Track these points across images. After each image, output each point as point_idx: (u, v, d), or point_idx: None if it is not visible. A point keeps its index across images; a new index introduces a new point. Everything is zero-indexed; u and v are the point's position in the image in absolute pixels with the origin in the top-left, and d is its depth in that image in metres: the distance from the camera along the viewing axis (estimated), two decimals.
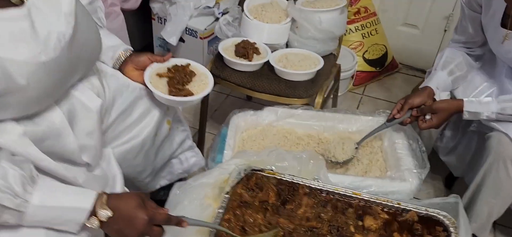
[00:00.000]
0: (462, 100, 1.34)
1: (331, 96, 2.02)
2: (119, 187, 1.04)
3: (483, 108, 1.32)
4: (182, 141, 1.37)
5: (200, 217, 0.95)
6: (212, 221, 0.96)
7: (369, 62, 2.45)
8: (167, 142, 1.32)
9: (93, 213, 0.76)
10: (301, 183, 1.09)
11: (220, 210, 0.98)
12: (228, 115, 1.50)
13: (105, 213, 0.76)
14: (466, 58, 1.51)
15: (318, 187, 1.08)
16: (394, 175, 1.29)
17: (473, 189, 1.46)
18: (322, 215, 1.00)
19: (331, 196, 1.08)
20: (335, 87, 1.94)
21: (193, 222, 0.86)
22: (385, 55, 2.50)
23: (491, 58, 1.51)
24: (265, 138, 1.48)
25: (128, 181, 1.30)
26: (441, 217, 1.05)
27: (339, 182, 1.22)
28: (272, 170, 1.11)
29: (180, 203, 0.96)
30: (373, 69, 2.47)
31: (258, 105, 1.60)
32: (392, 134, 1.44)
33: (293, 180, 1.09)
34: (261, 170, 1.10)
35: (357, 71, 2.38)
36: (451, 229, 1.02)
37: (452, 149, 1.72)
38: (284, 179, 1.09)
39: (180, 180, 1.32)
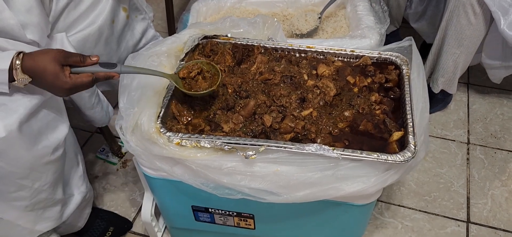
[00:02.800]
0: None
1: None
2: None
3: None
4: (144, 30, 1.38)
5: (156, 86, 0.98)
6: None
7: None
8: (128, 31, 1.32)
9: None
10: (256, 44, 1.10)
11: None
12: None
13: (23, 80, 0.80)
14: None
15: (273, 46, 1.10)
16: (354, 34, 1.30)
17: (437, 43, 1.47)
18: (276, 68, 1.03)
19: (286, 53, 1.10)
20: None
21: (126, 69, 0.87)
22: None
23: None
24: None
25: None
26: (394, 58, 1.07)
27: (298, 44, 1.23)
28: (226, 36, 1.12)
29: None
30: None
31: None
32: (353, 0, 1.43)
33: (248, 42, 1.10)
34: (216, 36, 1.11)
35: None
36: (403, 67, 1.04)
37: (422, 14, 1.71)
38: (239, 42, 1.10)
39: None
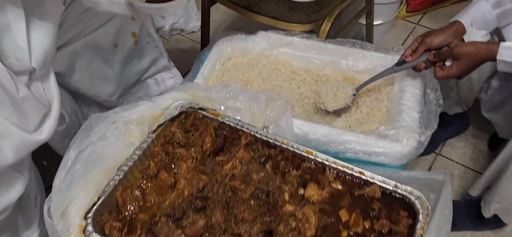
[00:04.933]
0: (497, 44, 0.99)
1: (364, 23, 1.70)
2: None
3: None
4: (154, 59, 1.25)
5: (119, 155, 0.84)
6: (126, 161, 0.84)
7: None
8: (136, 56, 1.20)
9: None
10: (246, 130, 0.90)
11: (137, 152, 0.85)
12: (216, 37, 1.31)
13: None
14: None
15: (264, 138, 0.89)
16: (386, 131, 1.03)
17: (502, 160, 1.14)
18: (253, 174, 0.82)
19: (277, 152, 0.88)
20: (365, 11, 1.61)
21: None
22: None
23: None
24: (252, 68, 1.28)
25: (91, 101, 1.22)
26: (413, 199, 0.81)
27: (310, 132, 1.01)
28: (214, 111, 0.93)
29: (95, 135, 0.84)
30: None
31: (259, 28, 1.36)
32: (405, 78, 1.15)
33: (237, 125, 0.91)
34: (202, 109, 0.93)
35: None
36: (420, 217, 0.78)
37: (499, 105, 1.36)
38: (227, 122, 0.91)
39: None
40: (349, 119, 1.16)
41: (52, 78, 0.95)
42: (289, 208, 0.79)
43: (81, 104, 1.20)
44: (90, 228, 0.74)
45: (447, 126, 1.51)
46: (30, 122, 0.88)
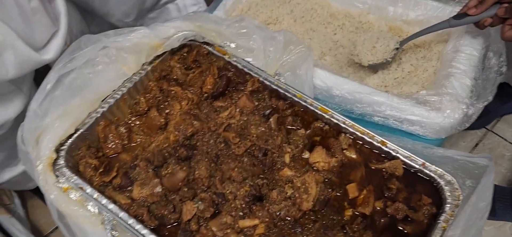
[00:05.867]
0: None
1: None
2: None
3: None
4: None
5: (106, 85, 0.75)
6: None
7: None
8: None
9: None
10: (254, 75, 0.77)
11: (128, 84, 0.75)
12: None
13: None
14: None
15: (274, 87, 0.76)
16: (427, 97, 0.86)
17: None
18: (252, 128, 0.70)
19: (285, 105, 0.75)
20: None
21: None
22: None
23: None
24: (284, 5, 1.12)
25: (103, 22, 1.13)
26: (442, 183, 0.65)
27: (335, 86, 0.86)
28: (222, 47, 0.80)
29: (82, 59, 0.74)
30: None
31: None
32: (463, 36, 0.95)
33: (245, 68, 0.78)
34: (207, 43, 0.81)
35: None
36: (447, 207, 0.63)
37: None
38: (234, 63, 0.78)
39: None
40: (387, 77, 0.99)
41: None
42: (287, 172, 0.66)
43: (92, 26, 1.11)
44: (61, 161, 0.66)
45: (507, 99, 1.27)
46: (37, 38, 0.81)
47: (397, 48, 0.97)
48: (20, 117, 0.88)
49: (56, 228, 1.14)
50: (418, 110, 0.83)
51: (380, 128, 0.86)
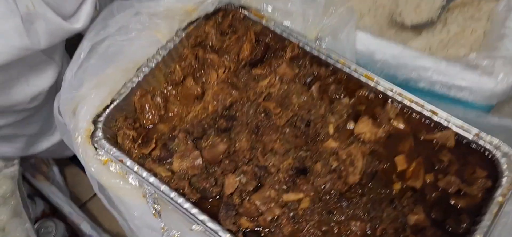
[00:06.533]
0: None
1: None
2: None
3: None
4: None
5: (140, 53, 0.72)
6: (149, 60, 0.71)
7: None
8: None
9: None
10: (294, 40, 0.73)
11: (162, 52, 0.72)
12: None
13: None
14: None
15: (315, 53, 0.72)
16: (477, 60, 0.80)
17: None
18: (293, 97, 0.66)
19: (329, 72, 0.71)
20: None
21: None
22: None
23: None
24: None
25: None
26: (499, 155, 0.61)
27: (378, 51, 0.81)
28: (258, 11, 0.76)
29: (115, 26, 0.72)
30: None
31: None
32: None
33: (284, 33, 0.74)
34: (244, 7, 0.77)
35: None
36: (503, 180, 0.59)
37: None
38: (272, 28, 0.74)
39: None
40: (431, 39, 0.93)
41: None
42: (332, 144, 0.63)
43: None
44: (99, 133, 0.65)
45: None
46: (67, 6, 0.79)
47: (443, 7, 0.91)
48: (53, 87, 0.88)
49: (94, 195, 1.16)
50: (469, 75, 0.77)
51: (424, 94, 0.81)
